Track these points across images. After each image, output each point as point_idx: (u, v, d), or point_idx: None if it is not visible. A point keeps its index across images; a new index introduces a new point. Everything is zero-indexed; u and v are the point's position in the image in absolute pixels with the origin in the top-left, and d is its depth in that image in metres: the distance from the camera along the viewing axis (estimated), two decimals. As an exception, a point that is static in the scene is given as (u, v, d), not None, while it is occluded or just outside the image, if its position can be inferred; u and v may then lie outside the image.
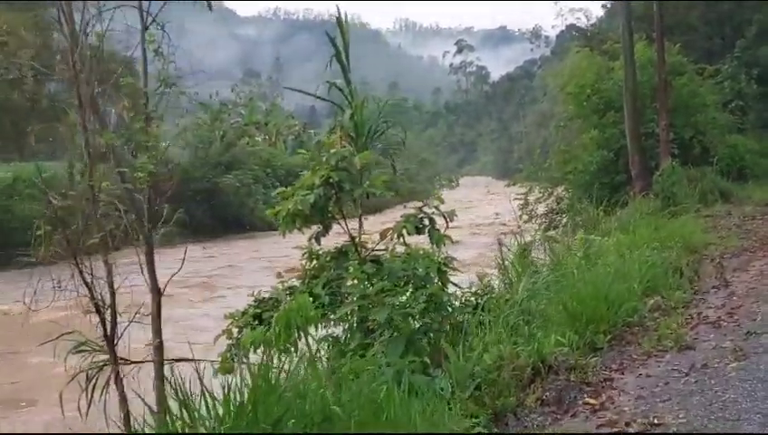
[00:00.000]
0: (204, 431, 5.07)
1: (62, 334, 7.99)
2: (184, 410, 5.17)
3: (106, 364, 8.13)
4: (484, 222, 46.32)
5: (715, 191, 26.57)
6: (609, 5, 56.69)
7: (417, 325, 8.07)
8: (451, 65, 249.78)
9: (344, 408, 5.30)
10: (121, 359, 8.19)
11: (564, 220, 28.21)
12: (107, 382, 7.57)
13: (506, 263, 13.33)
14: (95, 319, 8.13)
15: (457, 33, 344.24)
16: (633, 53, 28.53)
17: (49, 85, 43.34)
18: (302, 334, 7.33)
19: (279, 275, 8.54)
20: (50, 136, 44.21)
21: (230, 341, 8.12)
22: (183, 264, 7.67)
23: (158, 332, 7.22)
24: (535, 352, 7.89)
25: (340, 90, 9.54)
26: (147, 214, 7.79)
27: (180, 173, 50.04)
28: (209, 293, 28.85)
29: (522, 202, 30.97)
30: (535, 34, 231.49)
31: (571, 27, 64.11)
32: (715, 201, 25.64)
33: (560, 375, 7.77)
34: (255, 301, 8.36)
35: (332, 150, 8.21)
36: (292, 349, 7.53)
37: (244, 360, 7.50)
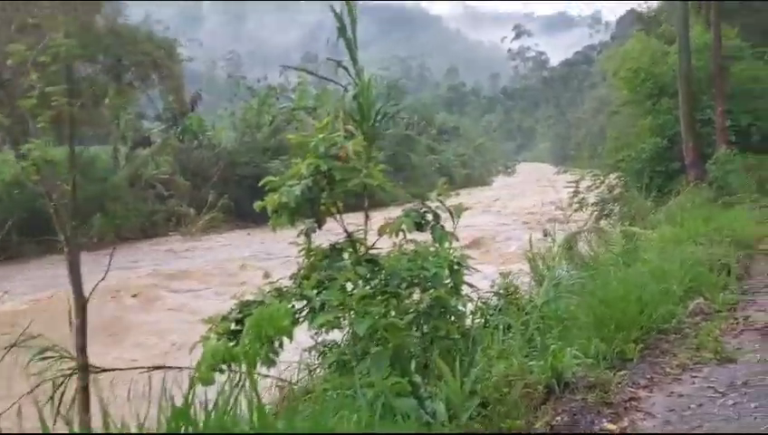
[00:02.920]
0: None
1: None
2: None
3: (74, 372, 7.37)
4: (534, 210, 45.38)
5: (773, 181, 25.34)
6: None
7: (417, 335, 7.21)
8: (509, 51, 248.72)
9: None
10: (92, 367, 7.43)
11: (616, 210, 27.28)
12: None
13: (537, 258, 12.40)
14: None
15: (517, 18, 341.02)
16: (688, 37, 27.46)
17: (86, 68, 42.90)
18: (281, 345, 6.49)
19: (266, 275, 7.53)
20: (91, 120, 44.70)
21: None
22: (109, 268, 6.69)
23: (82, 348, 6.28)
24: (549, 367, 6.92)
25: (345, 68, 8.63)
26: (70, 209, 6.71)
27: (226, 158, 50.04)
28: (233, 281, 28.05)
29: (573, 190, 29.95)
30: (595, 20, 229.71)
31: (631, 12, 63.42)
32: (773, 191, 24.41)
33: (577, 394, 6.81)
34: (238, 304, 7.48)
35: (321, 136, 7.34)
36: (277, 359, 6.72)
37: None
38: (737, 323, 9.56)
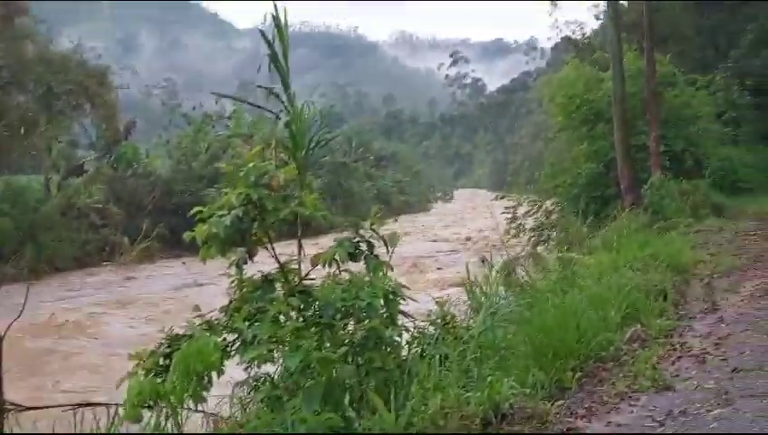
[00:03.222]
0: None
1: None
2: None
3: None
4: (471, 236, 45.49)
5: (707, 205, 25.60)
6: (602, 17, 56.03)
7: (352, 367, 7.03)
8: (447, 77, 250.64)
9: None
10: (12, 404, 7.14)
11: (554, 235, 27.31)
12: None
13: (474, 286, 12.26)
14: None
15: (454, 45, 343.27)
16: (622, 63, 27.68)
17: (18, 96, 42.18)
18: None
19: (196, 308, 7.24)
20: (20, 148, 43.99)
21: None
22: (24, 307, 6.42)
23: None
24: (486, 398, 6.77)
25: (277, 96, 8.47)
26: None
27: (162, 186, 49.43)
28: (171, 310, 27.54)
29: (510, 216, 30.00)
30: (531, 46, 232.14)
31: (565, 39, 63.94)
32: (707, 215, 24.63)
33: (514, 426, 6.67)
34: (167, 338, 7.23)
35: (251, 164, 7.17)
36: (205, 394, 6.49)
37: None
38: (674, 350, 9.51)
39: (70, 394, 14.75)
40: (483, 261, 16.09)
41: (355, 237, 7.27)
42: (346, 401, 6.33)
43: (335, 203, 64.89)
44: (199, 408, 7.29)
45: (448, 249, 42.88)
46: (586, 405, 7.51)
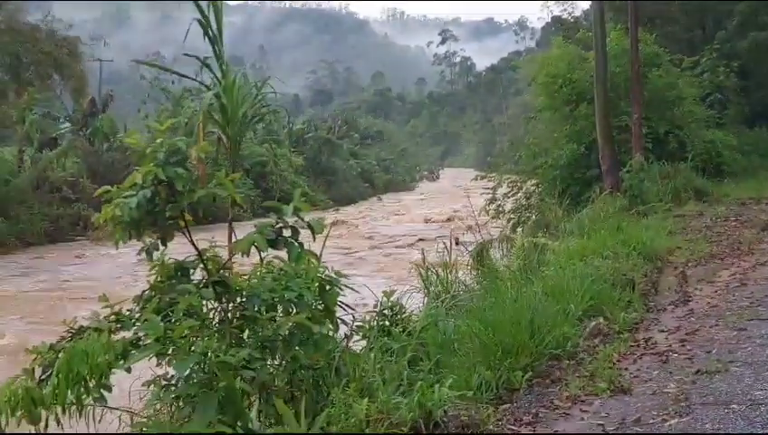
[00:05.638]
0: None
1: None
2: None
3: None
4: (451, 217, 44.91)
5: (688, 189, 24.95)
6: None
7: (274, 366, 6.36)
8: (435, 56, 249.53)
9: None
10: None
11: (533, 217, 26.66)
12: None
13: (429, 273, 11.60)
14: None
15: (444, 23, 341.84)
16: (605, 42, 26.97)
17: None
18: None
19: (103, 297, 6.49)
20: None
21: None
22: None
23: None
24: (416, 405, 6.06)
25: (208, 66, 7.78)
26: None
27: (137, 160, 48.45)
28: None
29: (489, 197, 29.40)
30: (521, 26, 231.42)
31: (555, 19, 63.47)
32: (688, 199, 24.02)
33: (447, 435, 5.99)
34: (70, 331, 6.50)
35: (159, 140, 6.43)
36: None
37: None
38: (637, 347, 8.86)
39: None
40: (457, 243, 15.58)
41: (278, 223, 6.53)
42: (254, 410, 5.63)
43: (318, 180, 64.33)
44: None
45: (424, 229, 42.41)
46: (533, 410, 6.86)
